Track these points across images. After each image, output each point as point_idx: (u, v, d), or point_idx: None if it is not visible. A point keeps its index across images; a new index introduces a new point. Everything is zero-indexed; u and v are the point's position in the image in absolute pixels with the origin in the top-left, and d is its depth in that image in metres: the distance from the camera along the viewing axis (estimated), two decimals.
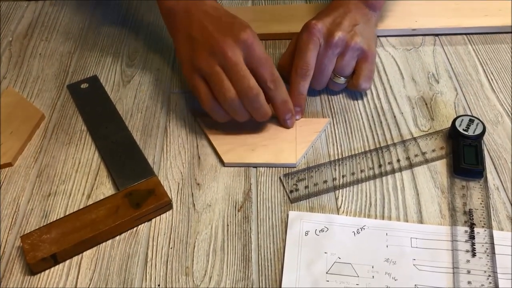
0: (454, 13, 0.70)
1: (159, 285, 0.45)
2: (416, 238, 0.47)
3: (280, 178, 0.52)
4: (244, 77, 0.50)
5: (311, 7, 0.74)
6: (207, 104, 0.52)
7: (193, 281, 0.45)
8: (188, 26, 0.54)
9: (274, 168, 0.53)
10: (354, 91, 0.61)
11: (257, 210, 0.50)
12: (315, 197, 0.51)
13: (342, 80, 0.59)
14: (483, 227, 0.47)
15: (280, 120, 0.56)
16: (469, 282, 0.43)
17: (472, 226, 0.47)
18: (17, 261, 0.47)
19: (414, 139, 0.55)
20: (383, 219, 0.49)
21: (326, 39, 0.56)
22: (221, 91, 0.50)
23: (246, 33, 0.50)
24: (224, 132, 0.56)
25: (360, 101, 0.60)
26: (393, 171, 0.52)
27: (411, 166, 0.53)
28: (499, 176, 0.52)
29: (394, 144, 0.55)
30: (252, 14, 0.73)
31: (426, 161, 0.53)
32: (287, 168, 0.53)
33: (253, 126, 0.56)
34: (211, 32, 0.51)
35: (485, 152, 0.54)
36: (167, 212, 0.50)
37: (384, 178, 0.52)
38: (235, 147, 0.54)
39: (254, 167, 0.54)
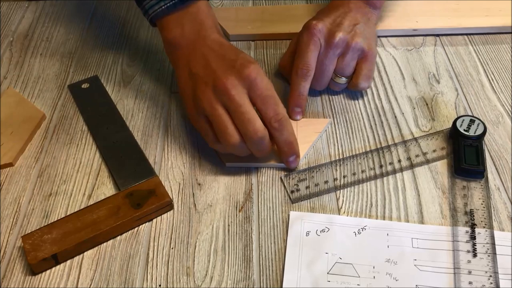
0: (455, 13, 0.70)
1: (160, 285, 0.45)
2: (417, 239, 0.47)
3: (281, 178, 0.52)
4: (249, 121, 0.47)
5: (311, 7, 0.74)
6: (212, 145, 0.52)
7: (194, 281, 0.45)
8: (191, 62, 0.52)
9: (275, 168, 0.53)
10: (355, 91, 0.61)
11: (258, 210, 0.50)
12: (316, 197, 0.51)
13: (343, 80, 0.59)
14: (484, 227, 0.47)
15: (283, 160, 0.52)
16: (470, 283, 0.43)
17: (473, 226, 0.47)
18: (18, 261, 0.47)
19: (415, 139, 0.55)
20: (384, 219, 0.49)
21: (327, 40, 0.56)
22: (225, 137, 0.48)
23: (249, 68, 0.48)
24: None
25: (361, 101, 0.60)
26: (394, 172, 0.52)
27: (412, 166, 0.53)
28: (500, 177, 0.52)
29: (395, 144, 0.55)
30: (252, 14, 0.73)
31: (427, 161, 0.53)
32: (288, 169, 0.53)
33: None
34: (213, 69, 0.49)
35: (486, 153, 0.54)
36: (168, 212, 0.50)
37: (385, 178, 0.52)
38: None
39: (255, 167, 0.53)
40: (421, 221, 0.48)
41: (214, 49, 0.51)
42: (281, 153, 0.51)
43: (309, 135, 0.56)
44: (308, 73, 0.56)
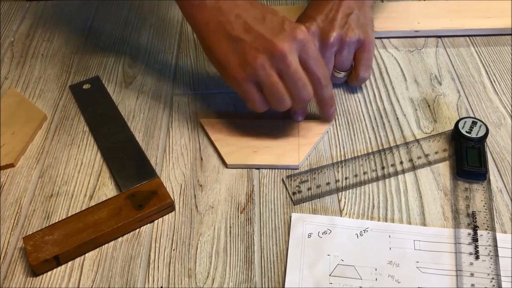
0: (457, 14, 0.69)
1: (161, 287, 0.44)
2: (419, 241, 0.47)
3: (282, 179, 0.52)
4: (304, 87, 0.49)
5: None
6: (258, 109, 0.51)
7: (196, 283, 0.45)
8: (226, 25, 0.49)
9: (276, 170, 0.53)
10: (356, 89, 0.61)
11: (260, 212, 0.50)
12: (318, 199, 0.50)
13: (342, 74, 0.59)
14: (486, 229, 0.47)
15: (325, 113, 0.56)
16: (472, 285, 0.43)
17: (475, 228, 0.47)
18: (20, 262, 0.46)
19: (417, 141, 0.55)
20: (386, 221, 0.48)
21: (322, 41, 0.57)
22: (279, 103, 0.50)
23: (301, 31, 0.48)
24: (227, 134, 0.56)
25: (362, 103, 0.60)
26: (396, 173, 0.52)
27: (414, 168, 0.53)
28: (502, 179, 0.52)
29: (397, 146, 0.54)
30: None
31: (429, 163, 0.53)
32: (290, 170, 0.53)
33: (256, 128, 0.56)
34: (260, 33, 0.48)
35: (488, 154, 0.54)
36: (170, 214, 0.50)
37: (387, 180, 0.52)
38: (238, 149, 0.54)
39: (256, 168, 0.53)
40: (423, 223, 0.48)
41: (248, 8, 0.50)
42: (325, 107, 0.54)
43: (311, 137, 0.56)
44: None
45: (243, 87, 0.50)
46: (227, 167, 0.54)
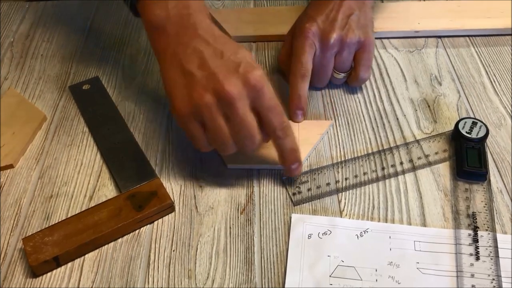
0: (457, 15, 0.69)
1: None
2: (420, 241, 0.47)
3: (283, 180, 0.52)
4: (250, 137, 0.46)
5: None
6: (201, 149, 0.49)
7: (196, 284, 0.45)
8: (182, 56, 0.47)
9: (277, 171, 0.53)
10: (356, 89, 0.61)
11: (260, 212, 0.50)
12: (318, 200, 0.50)
13: (342, 75, 0.59)
14: (486, 230, 0.47)
15: (286, 168, 0.50)
16: (473, 286, 0.43)
17: (475, 229, 0.47)
18: (19, 263, 0.46)
19: (417, 141, 0.55)
20: (386, 222, 0.48)
21: (322, 42, 0.57)
22: (222, 147, 0.47)
23: (256, 76, 0.45)
24: None
25: (362, 103, 0.60)
26: (396, 174, 0.52)
27: (414, 168, 0.53)
28: (502, 179, 0.52)
29: (397, 147, 0.54)
30: (254, 16, 0.72)
31: (429, 164, 0.53)
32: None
33: None
34: (213, 71, 0.45)
35: (488, 155, 0.54)
36: (170, 215, 0.50)
37: (387, 180, 0.52)
38: None
39: (256, 169, 0.53)
40: (423, 224, 0.48)
41: (208, 41, 0.47)
42: (284, 161, 0.49)
43: (311, 137, 0.55)
44: (305, 75, 0.56)
45: (186, 123, 0.47)
46: (227, 168, 0.53)
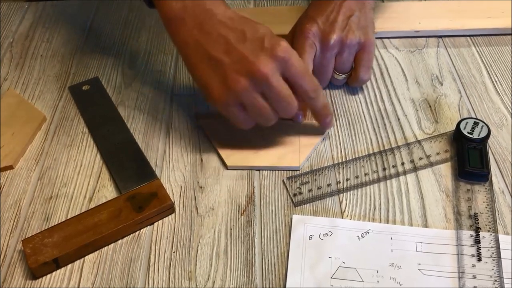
0: (458, 14, 0.69)
1: None
2: (421, 242, 0.46)
3: (283, 181, 0.52)
4: (289, 105, 0.48)
5: None
6: (245, 127, 0.51)
7: (196, 285, 0.44)
8: (206, 44, 0.48)
9: (277, 171, 0.53)
10: (357, 90, 0.61)
11: (261, 213, 0.50)
12: (319, 201, 0.50)
13: (342, 76, 0.59)
14: (488, 231, 0.46)
15: (321, 123, 0.53)
16: (474, 287, 0.43)
17: (477, 230, 0.47)
18: (19, 265, 0.46)
19: (418, 142, 0.55)
20: (387, 223, 0.48)
21: (322, 43, 0.57)
22: (266, 121, 0.50)
23: (282, 48, 0.46)
24: (227, 135, 0.55)
25: (363, 104, 0.60)
26: (397, 174, 0.52)
27: (415, 169, 0.52)
28: (504, 180, 0.51)
29: (398, 147, 0.54)
30: (254, 16, 0.72)
31: (431, 164, 0.53)
32: (291, 172, 0.53)
33: (257, 129, 0.56)
34: (241, 52, 0.46)
35: (490, 155, 0.53)
36: (170, 216, 0.50)
37: (388, 181, 0.52)
38: (238, 150, 0.54)
39: (257, 170, 0.53)
40: (425, 225, 0.48)
41: (229, 26, 0.48)
42: (319, 117, 0.53)
43: (312, 138, 0.55)
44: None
45: (226, 110, 0.49)
46: (227, 169, 0.53)
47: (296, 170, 0.53)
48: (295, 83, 0.48)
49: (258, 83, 0.46)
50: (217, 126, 0.56)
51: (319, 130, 0.56)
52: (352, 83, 0.60)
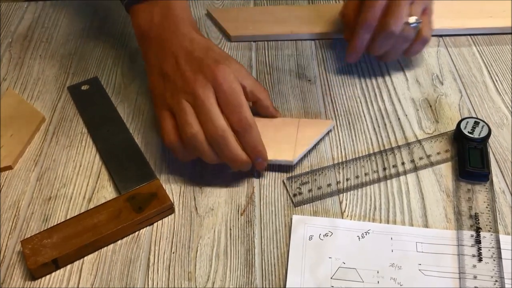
0: (458, 14, 0.69)
1: None
2: (422, 243, 0.46)
3: (283, 181, 0.52)
4: (212, 119, 0.46)
5: (313, 8, 0.74)
6: (167, 138, 0.49)
7: (196, 286, 0.44)
8: (162, 60, 0.51)
9: (277, 172, 0.53)
10: (357, 89, 0.61)
11: (260, 214, 0.49)
12: (319, 201, 0.50)
13: (414, 19, 0.57)
14: (489, 231, 0.46)
15: (252, 162, 0.50)
16: (475, 287, 0.43)
17: (478, 230, 0.46)
18: (18, 266, 0.46)
19: (419, 141, 0.54)
20: (388, 223, 0.48)
21: None
22: (184, 126, 0.47)
23: (216, 70, 0.47)
24: None
25: (363, 103, 0.60)
26: (397, 174, 0.52)
27: (416, 169, 0.52)
28: (504, 180, 0.51)
29: (399, 147, 0.54)
30: (254, 15, 0.72)
31: (431, 164, 0.52)
32: (291, 172, 0.52)
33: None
34: (183, 70, 0.49)
35: (491, 155, 0.53)
36: (169, 216, 0.49)
37: (388, 181, 0.51)
38: None
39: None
40: (426, 225, 0.48)
41: (184, 46, 0.50)
42: (249, 156, 0.49)
43: (310, 136, 0.55)
44: (371, 25, 0.57)
45: (159, 116, 0.50)
46: (227, 168, 0.53)
47: (290, 165, 0.52)
48: (223, 110, 0.47)
49: (187, 94, 0.48)
50: None
51: (318, 127, 0.56)
52: (413, 45, 0.59)
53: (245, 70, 0.51)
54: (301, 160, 0.53)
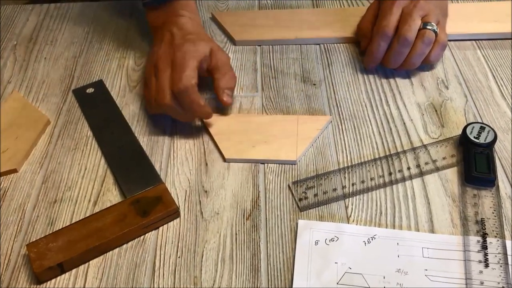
0: (463, 18, 0.69)
1: None
2: (428, 248, 0.46)
3: (288, 185, 0.52)
4: (162, 86, 0.54)
5: (318, 12, 0.73)
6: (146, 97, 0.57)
7: None
8: (157, 52, 0.57)
9: (282, 176, 0.53)
10: (362, 93, 0.61)
11: (266, 218, 0.49)
12: (325, 206, 0.50)
13: (434, 26, 0.59)
14: (495, 237, 0.46)
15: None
16: None
17: (484, 236, 0.46)
18: (23, 269, 0.46)
19: (424, 146, 0.54)
20: (394, 228, 0.48)
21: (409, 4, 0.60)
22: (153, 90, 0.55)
23: (180, 52, 0.54)
24: (227, 129, 0.56)
25: (369, 107, 0.60)
26: (403, 179, 0.52)
27: (421, 174, 0.52)
28: (510, 185, 0.51)
29: (404, 152, 0.54)
30: (258, 19, 0.72)
31: (437, 169, 0.52)
32: (296, 176, 0.52)
33: (256, 123, 0.57)
34: (162, 50, 0.56)
35: (497, 160, 0.53)
36: (175, 220, 0.49)
37: (394, 186, 0.51)
38: (236, 144, 0.55)
39: (254, 163, 0.53)
40: (432, 230, 0.48)
41: (173, 32, 0.58)
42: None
43: (310, 132, 0.55)
44: (389, 34, 0.60)
45: (149, 103, 0.57)
46: (225, 161, 0.54)
47: (293, 164, 0.53)
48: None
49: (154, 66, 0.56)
50: (217, 120, 0.57)
51: (317, 124, 0.56)
52: (433, 49, 0.60)
53: (222, 51, 0.59)
54: (306, 164, 0.53)
